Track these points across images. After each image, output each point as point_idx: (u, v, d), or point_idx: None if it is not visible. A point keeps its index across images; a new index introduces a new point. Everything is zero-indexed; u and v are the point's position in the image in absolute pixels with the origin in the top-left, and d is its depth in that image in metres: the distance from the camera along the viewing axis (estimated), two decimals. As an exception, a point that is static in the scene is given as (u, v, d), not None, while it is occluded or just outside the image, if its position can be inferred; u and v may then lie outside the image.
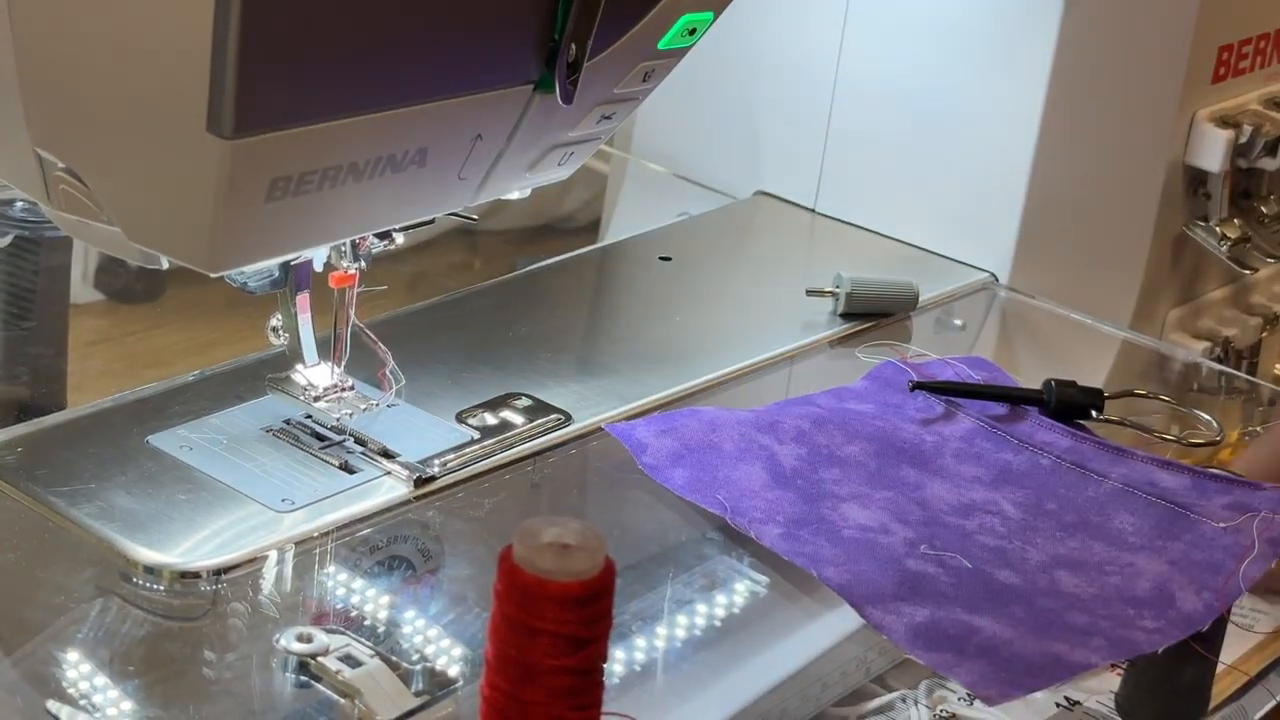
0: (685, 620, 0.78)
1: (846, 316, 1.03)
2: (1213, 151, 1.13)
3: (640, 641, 0.75)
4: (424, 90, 0.68)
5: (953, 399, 0.93)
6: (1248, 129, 1.13)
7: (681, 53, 0.78)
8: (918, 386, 0.93)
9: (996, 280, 1.11)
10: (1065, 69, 1.07)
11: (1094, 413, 0.93)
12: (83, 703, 0.67)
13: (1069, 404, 0.92)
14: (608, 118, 0.78)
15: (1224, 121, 1.13)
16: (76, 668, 0.69)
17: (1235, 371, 1.10)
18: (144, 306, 1.18)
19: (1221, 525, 0.84)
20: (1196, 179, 1.15)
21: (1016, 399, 0.93)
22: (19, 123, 0.69)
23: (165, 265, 0.71)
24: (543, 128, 0.75)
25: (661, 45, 0.76)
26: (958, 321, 1.07)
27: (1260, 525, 0.83)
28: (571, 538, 0.57)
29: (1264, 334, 1.21)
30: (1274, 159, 1.14)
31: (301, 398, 0.82)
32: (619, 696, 0.72)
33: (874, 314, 1.04)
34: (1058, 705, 0.75)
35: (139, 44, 0.63)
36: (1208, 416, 0.97)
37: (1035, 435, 0.91)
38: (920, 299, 1.05)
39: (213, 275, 0.70)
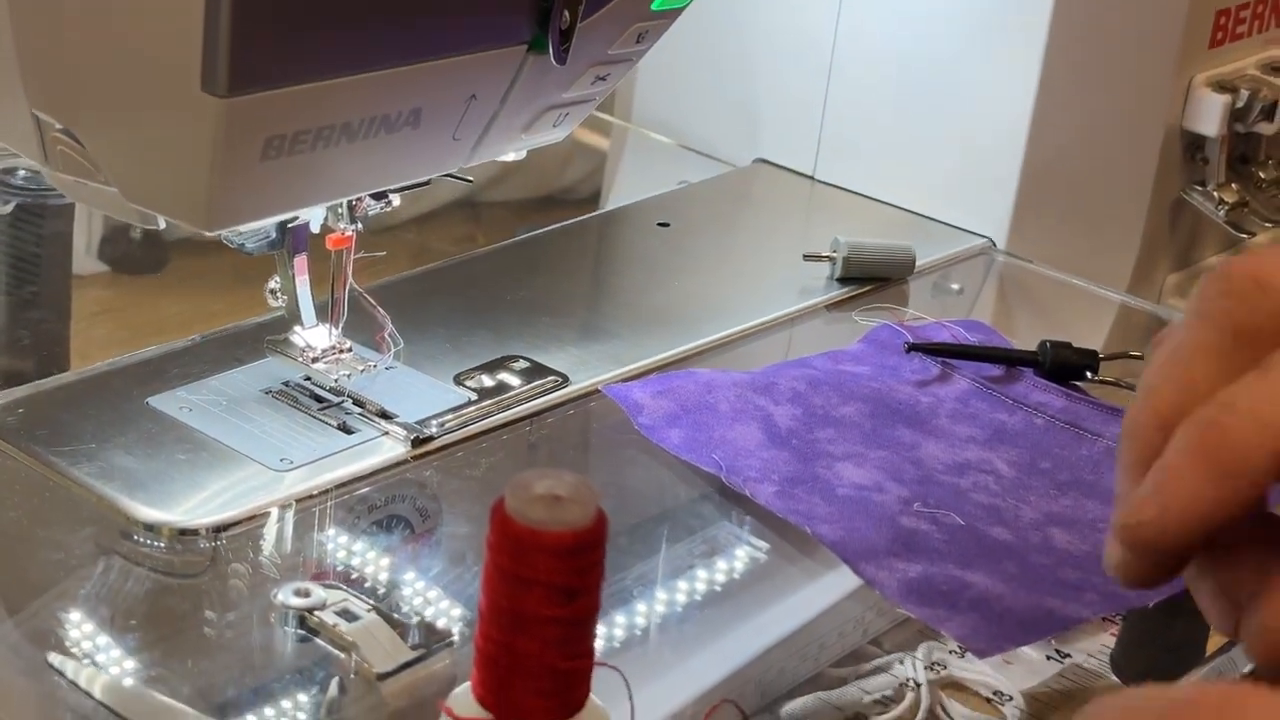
0: (682, 582, 0.78)
1: (843, 281, 1.04)
2: (1210, 116, 1.13)
3: (637, 603, 0.76)
4: (417, 50, 0.69)
5: (948, 360, 0.93)
6: (1245, 93, 1.13)
7: (675, 14, 0.78)
8: (913, 348, 0.94)
9: (994, 245, 1.11)
10: (1061, 34, 1.07)
11: (1089, 374, 0.93)
12: (84, 659, 0.68)
13: (1064, 365, 0.93)
14: (602, 79, 0.78)
15: (1221, 86, 1.13)
16: (78, 625, 0.69)
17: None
18: (147, 277, 1.19)
19: None
20: (1194, 144, 1.15)
21: (1012, 360, 0.93)
22: (16, 86, 0.69)
23: (162, 225, 0.72)
24: (537, 88, 0.76)
25: (655, 6, 0.77)
26: (955, 286, 1.07)
27: None
28: (563, 489, 0.58)
29: (1261, 299, 1.21)
30: (1271, 123, 1.14)
31: (300, 359, 0.82)
32: (615, 656, 0.72)
33: (871, 278, 1.04)
34: (1049, 658, 0.76)
35: (134, 4, 0.64)
36: None
37: (1030, 396, 0.91)
38: (917, 264, 1.06)
39: (209, 234, 0.71)
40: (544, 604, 0.58)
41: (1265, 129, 1.14)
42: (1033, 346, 0.94)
